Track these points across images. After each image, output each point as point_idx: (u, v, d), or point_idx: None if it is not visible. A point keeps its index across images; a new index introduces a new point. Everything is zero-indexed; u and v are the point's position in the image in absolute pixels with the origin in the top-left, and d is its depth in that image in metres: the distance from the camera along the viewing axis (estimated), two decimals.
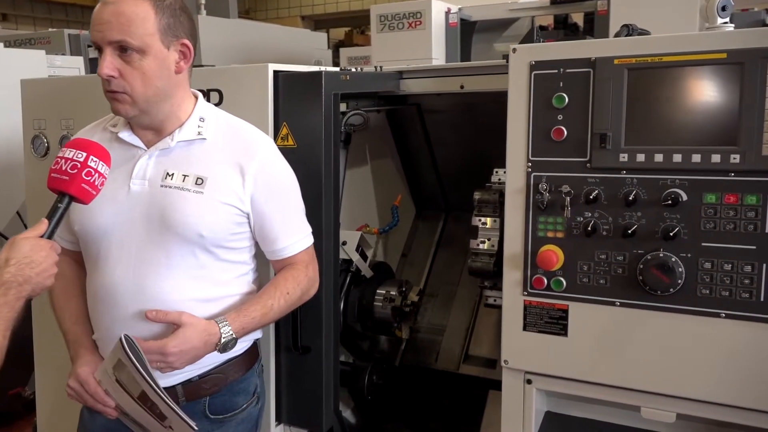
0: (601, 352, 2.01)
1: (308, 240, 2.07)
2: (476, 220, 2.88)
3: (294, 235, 2.00)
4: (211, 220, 1.81)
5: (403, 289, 2.98)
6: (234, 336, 1.82)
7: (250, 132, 1.98)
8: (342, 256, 2.82)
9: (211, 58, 4.54)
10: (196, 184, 1.81)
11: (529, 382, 2.17)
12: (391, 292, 2.94)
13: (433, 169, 3.50)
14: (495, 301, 3.04)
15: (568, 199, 1.99)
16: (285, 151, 2.51)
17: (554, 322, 2.07)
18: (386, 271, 3.10)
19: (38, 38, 6.40)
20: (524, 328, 2.12)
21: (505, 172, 3.03)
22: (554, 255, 2.01)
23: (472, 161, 3.41)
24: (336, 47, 9.05)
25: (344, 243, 2.82)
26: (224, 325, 1.80)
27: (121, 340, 1.66)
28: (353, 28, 12.78)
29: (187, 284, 1.84)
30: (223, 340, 1.79)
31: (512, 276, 2.13)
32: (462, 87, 2.80)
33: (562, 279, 2.04)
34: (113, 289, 1.83)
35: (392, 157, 3.45)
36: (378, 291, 2.96)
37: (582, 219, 2.00)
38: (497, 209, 2.84)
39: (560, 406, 2.26)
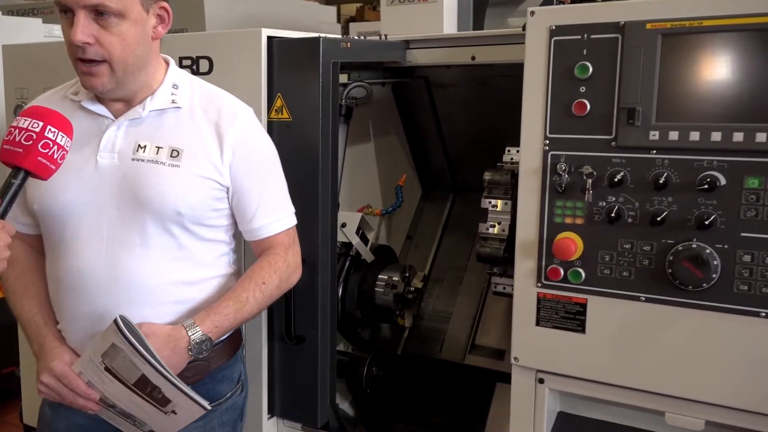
0: (623, 352, 1.79)
1: (289, 220, 1.90)
2: (486, 203, 2.65)
3: (273, 214, 1.83)
4: (189, 196, 1.66)
5: (407, 274, 2.76)
6: (207, 337, 1.65)
7: (227, 100, 1.81)
8: (341, 238, 2.60)
9: (215, 29, 4.31)
10: (171, 156, 1.65)
11: (541, 381, 1.95)
12: (394, 278, 2.73)
13: (441, 147, 3.27)
14: (504, 289, 2.81)
15: (589, 181, 1.76)
16: (279, 125, 2.30)
17: (571, 318, 1.85)
18: (389, 255, 2.89)
19: (41, 8, 6.18)
20: (537, 323, 1.90)
21: (518, 151, 2.82)
22: (572, 243, 1.78)
23: (482, 139, 3.17)
24: (347, 23, 8.77)
25: (343, 225, 2.60)
26: (191, 327, 1.65)
27: (116, 322, 1.52)
28: (365, 3, 12.44)
29: (165, 266, 1.68)
30: (193, 343, 1.63)
31: (525, 265, 1.91)
32: (473, 58, 2.55)
33: (580, 270, 1.81)
34: (83, 274, 1.64)
35: (397, 133, 3.22)
36: (379, 276, 2.74)
37: (605, 204, 1.77)
38: (509, 191, 2.61)
39: (574, 406, 2.05)
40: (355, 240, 2.59)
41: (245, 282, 1.77)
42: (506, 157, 2.74)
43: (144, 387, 1.57)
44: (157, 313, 1.66)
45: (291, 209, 1.91)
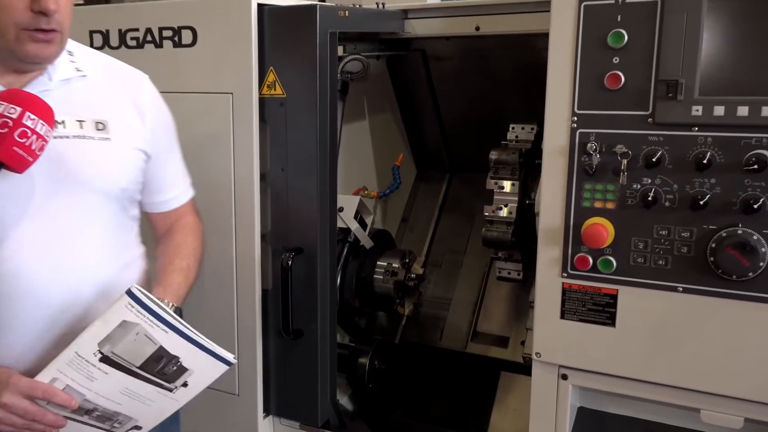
0: (657, 347, 1.64)
1: (191, 189, 1.84)
2: (492, 184, 2.48)
3: (183, 182, 1.77)
4: (127, 170, 1.56)
5: (407, 260, 2.58)
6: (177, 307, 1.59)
7: (124, 65, 1.67)
8: (339, 224, 2.41)
9: None
10: (97, 129, 1.50)
11: (564, 377, 1.80)
12: (393, 265, 2.55)
13: (437, 124, 3.08)
14: (509, 274, 2.66)
15: (624, 162, 1.59)
16: (272, 102, 2.09)
17: (600, 310, 1.69)
18: (387, 240, 2.70)
19: None
20: (562, 316, 1.74)
21: (523, 128, 2.65)
22: (603, 230, 1.61)
23: (481, 116, 2.99)
24: None
25: (341, 209, 2.41)
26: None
27: (130, 293, 1.37)
28: None
29: (112, 251, 1.57)
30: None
31: (548, 254, 1.74)
32: (477, 29, 2.35)
33: (611, 259, 1.65)
34: (21, 277, 1.40)
35: (392, 111, 3.02)
36: (378, 263, 2.56)
37: (640, 186, 1.60)
38: (516, 171, 2.44)
39: (594, 401, 1.90)
40: (354, 225, 2.40)
41: (181, 250, 1.68)
42: (511, 135, 2.57)
43: (155, 364, 1.44)
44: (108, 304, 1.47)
45: (189, 178, 1.83)
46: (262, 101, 2.09)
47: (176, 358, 1.44)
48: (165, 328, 1.41)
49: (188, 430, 2.03)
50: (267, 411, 2.29)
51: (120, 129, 1.53)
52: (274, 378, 2.27)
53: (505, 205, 2.45)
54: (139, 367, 1.43)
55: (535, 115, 2.57)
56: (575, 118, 1.65)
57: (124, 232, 1.62)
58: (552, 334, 1.76)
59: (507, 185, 2.43)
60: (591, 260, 1.67)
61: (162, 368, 1.45)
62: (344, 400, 2.52)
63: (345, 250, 2.44)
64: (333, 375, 2.26)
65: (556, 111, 1.68)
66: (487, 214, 2.45)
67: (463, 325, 2.84)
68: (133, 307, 1.37)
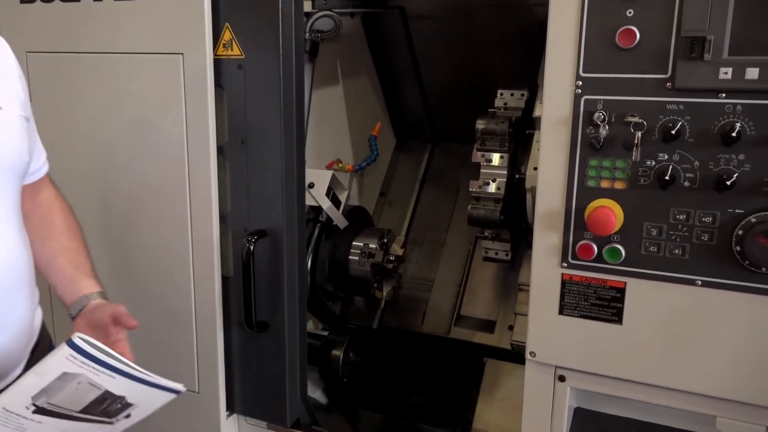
0: (670, 347, 1.42)
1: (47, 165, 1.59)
2: (478, 156, 2.22)
3: (42, 149, 1.53)
4: (25, 142, 1.35)
5: (385, 240, 2.33)
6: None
7: None
8: (308, 201, 2.15)
9: None
10: None
11: (561, 379, 1.57)
12: (370, 245, 2.30)
13: (418, 90, 2.81)
14: (497, 254, 2.42)
15: (638, 134, 1.34)
16: (229, 65, 1.82)
17: (604, 305, 1.46)
18: (363, 218, 2.44)
19: None
20: (561, 312, 1.51)
21: (512, 94, 2.38)
22: (611, 213, 1.37)
23: (466, 81, 2.73)
24: None
25: (311, 185, 2.14)
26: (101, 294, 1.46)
27: (72, 343, 1.18)
28: None
29: (22, 234, 1.37)
30: None
31: (545, 241, 1.50)
32: None
33: (619, 247, 1.41)
34: None
35: (369, 75, 2.74)
36: (354, 243, 2.31)
37: (655, 163, 1.36)
38: (505, 142, 2.18)
39: (591, 401, 1.68)
40: (326, 203, 2.14)
41: (71, 225, 1.53)
42: (498, 102, 2.31)
43: (98, 406, 1.28)
44: (24, 297, 1.36)
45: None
46: (218, 63, 1.81)
47: (121, 397, 1.28)
48: (111, 374, 1.23)
49: (144, 430, 1.80)
50: (231, 409, 2.06)
51: (6, 98, 1.32)
52: (238, 373, 2.04)
53: (493, 180, 2.19)
54: (80, 411, 1.27)
55: (526, 80, 2.32)
56: (580, 83, 1.39)
57: (20, 210, 1.40)
58: (549, 332, 1.53)
59: (495, 158, 2.17)
60: (596, 248, 1.43)
61: (105, 408, 1.29)
62: (317, 394, 2.29)
63: (316, 231, 2.18)
64: (303, 369, 2.03)
65: (557, 74, 1.41)
66: (473, 189, 2.20)
67: (446, 309, 2.61)
68: (75, 358, 1.18)
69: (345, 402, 2.24)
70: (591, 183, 1.41)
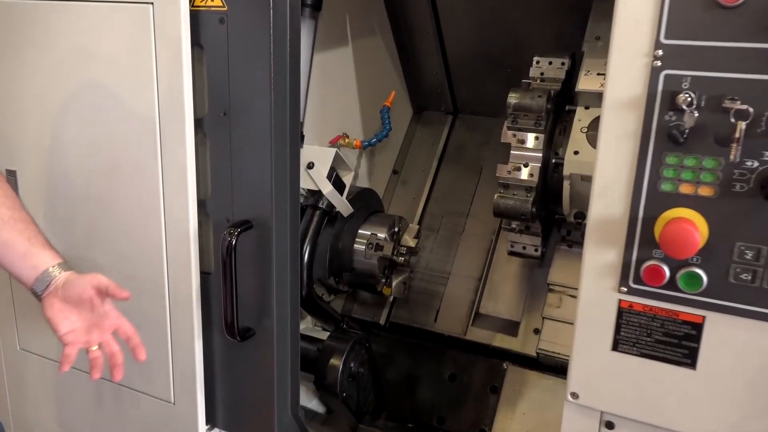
0: (759, 404, 1.08)
1: None
2: (509, 136, 1.86)
3: None
4: None
5: (396, 229, 2.00)
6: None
7: None
8: (306, 184, 1.81)
9: None
10: None
11: (609, 425, 1.24)
12: (379, 235, 1.96)
13: (440, 53, 2.45)
14: (524, 249, 2.09)
15: (740, 125, 0.98)
16: (209, 18, 1.47)
17: (674, 343, 1.12)
18: (372, 202, 2.11)
19: None
20: (615, 347, 1.17)
21: (550, 63, 2.01)
22: (692, 228, 1.02)
23: (495, 44, 2.37)
24: None
25: (310, 166, 1.80)
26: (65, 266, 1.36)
27: None
28: None
29: None
30: None
31: (599, 257, 1.15)
32: None
33: (699, 272, 1.06)
34: None
35: (382, 34, 2.36)
36: (360, 232, 1.98)
37: (758, 164, 1.00)
38: (542, 120, 1.82)
39: None
40: (327, 188, 1.80)
41: (8, 192, 1.35)
42: (534, 71, 1.95)
43: None
44: None
45: None
46: (195, 16, 1.47)
47: None
48: None
49: None
50: (211, 422, 1.77)
51: None
52: (220, 382, 1.74)
53: (525, 165, 1.84)
54: None
55: (568, 45, 1.95)
56: (660, 52, 1.02)
57: None
58: (597, 371, 1.20)
59: (529, 138, 1.81)
60: (668, 272, 1.08)
61: None
62: (314, 403, 1.98)
63: (315, 219, 1.85)
64: (295, 381, 1.72)
65: (627, 40, 1.05)
66: (501, 175, 1.85)
67: (464, 306, 2.28)
68: None
69: (345, 413, 1.93)
70: (666, 187, 1.06)
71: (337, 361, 1.78)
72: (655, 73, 1.03)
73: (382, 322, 2.31)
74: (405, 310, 2.31)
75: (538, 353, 2.03)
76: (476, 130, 2.55)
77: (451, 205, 2.45)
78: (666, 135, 1.03)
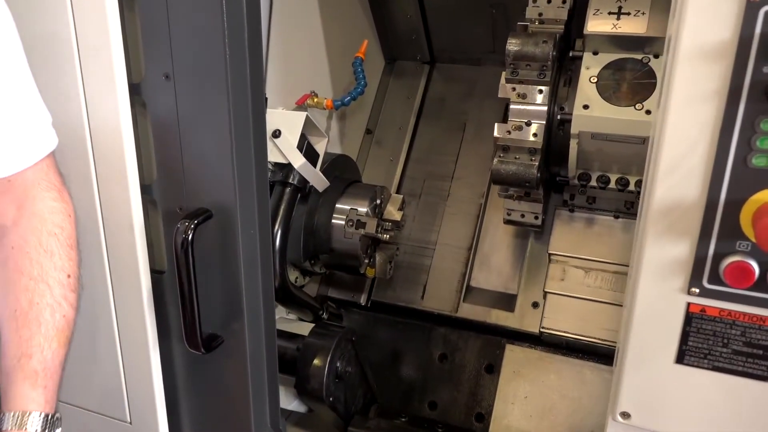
0: None
1: (45, 142, 1.02)
2: (508, 90, 1.58)
3: (26, 125, 0.97)
4: None
5: (378, 201, 1.72)
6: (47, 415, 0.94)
7: None
8: (273, 157, 1.51)
9: None
10: None
11: None
12: (360, 210, 1.68)
13: None
14: (523, 217, 1.84)
15: None
16: None
17: (759, 355, 0.89)
18: (348, 170, 1.81)
19: None
20: (680, 359, 0.93)
21: (549, 1, 1.71)
22: None
23: None
24: None
25: (276, 134, 1.49)
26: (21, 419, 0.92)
27: None
28: None
29: None
30: None
31: (663, 251, 0.89)
32: None
33: None
34: None
35: None
36: (338, 207, 1.69)
37: None
38: (546, 70, 1.54)
39: None
40: (299, 160, 1.50)
41: (31, 283, 0.96)
42: (531, 12, 1.66)
43: None
44: None
45: (45, 117, 1.03)
46: None
47: None
48: None
49: None
50: None
51: None
52: (185, 398, 1.46)
53: (528, 123, 1.57)
54: None
55: None
56: None
57: None
58: (656, 387, 0.96)
59: (535, 93, 1.54)
60: (757, 270, 0.83)
61: None
62: (294, 404, 1.73)
63: (286, 196, 1.55)
64: (273, 389, 1.45)
65: None
66: (500, 135, 1.58)
67: (453, 279, 2.03)
68: None
69: (332, 416, 1.68)
70: (760, 161, 0.80)
71: (321, 363, 1.52)
72: (751, 10, 0.75)
73: (363, 302, 2.05)
74: (388, 287, 2.05)
75: (541, 332, 1.81)
76: (457, 81, 2.25)
77: (433, 167, 2.17)
78: (763, 93, 0.77)
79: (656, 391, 0.96)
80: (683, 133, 0.83)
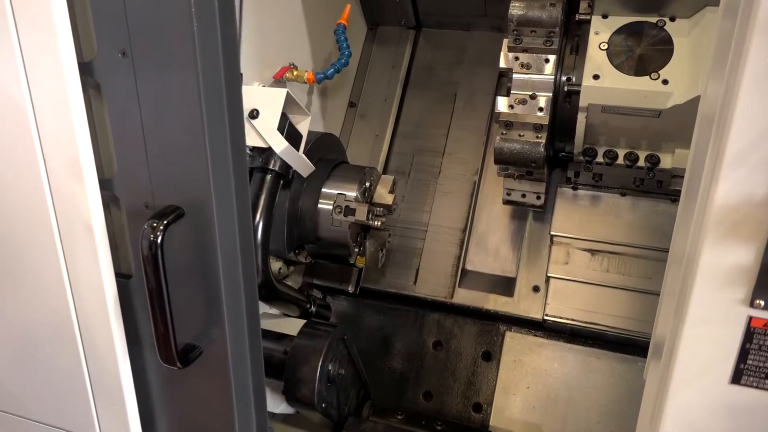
0: None
1: None
2: (510, 60, 1.42)
3: None
4: None
5: (367, 184, 1.55)
6: None
7: None
8: (251, 141, 1.33)
9: None
10: None
11: None
12: (348, 195, 1.52)
13: None
14: (524, 197, 1.69)
15: None
16: None
17: None
18: (332, 150, 1.64)
19: None
20: (736, 379, 0.80)
21: None
22: None
23: None
24: None
25: (254, 114, 1.31)
26: None
27: None
28: None
29: None
30: None
31: (721, 254, 0.75)
32: None
33: None
34: None
35: None
36: (324, 191, 1.53)
37: None
38: (554, 37, 1.38)
39: None
40: (280, 144, 1.32)
41: None
42: None
43: None
44: None
45: None
46: None
47: None
48: None
49: None
50: None
51: None
52: (162, 413, 1.31)
53: (533, 96, 1.41)
54: None
55: None
56: None
57: None
58: (707, 409, 0.83)
59: (538, 62, 1.37)
60: None
61: None
62: (283, 407, 1.58)
63: (266, 183, 1.38)
64: (260, 399, 1.30)
65: None
66: (502, 110, 1.42)
67: (447, 263, 1.89)
68: None
69: (324, 422, 1.55)
70: None
71: (312, 368, 1.36)
72: None
73: (351, 289, 1.90)
74: (378, 272, 1.90)
75: (545, 320, 1.69)
76: (445, 48, 2.08)
77: (423, 142, 2.00)
78: None
79: (707, 413, 0.83)
80: (757, 117, 0.68)
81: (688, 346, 0.81)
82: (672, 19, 1.38)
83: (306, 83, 1.57)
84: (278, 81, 1.50)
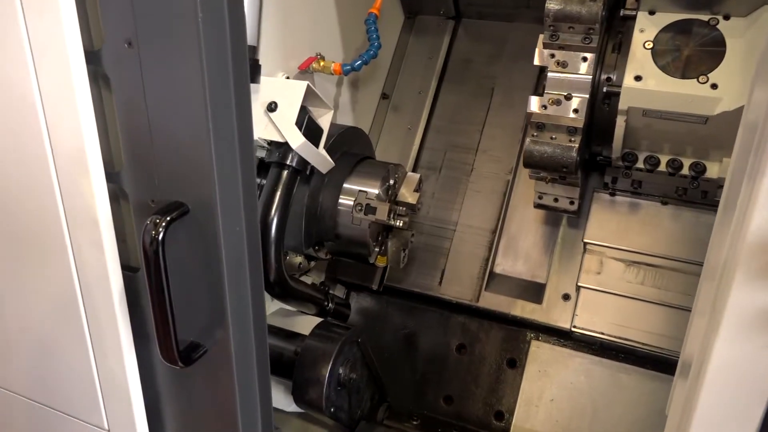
0: None
1: None
2: (546, 57, 1.33)
3: None
4: None
5: (391, 182, 1.49)
6: None
7: None
8: (268, 134, 1.28)
9: None
10: None
11: None
12: (370, 192, 1.46)
13: None
14: (556, 201, 1.60)
15: None
16: None
17: None
18: (358, 144, 1.58)
19: None
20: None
21: None
22: None
23: None
24: None
25: (272, 107, 1.27)
26: None
27: None
28: None
29: None
30: None
31: (752, 294, 0.67)
32: None
33: None
34: None
35: None
36: (345, 187, 1.47)
37: None
38: (593, 34, 1.28)
39: None
40: (297, 140, 1.27)
41: None
42: None
43: None
44: None
45: None
46: None
47: None
48: None
49: None
50: None
51: None
52: (166, 403, 1.29)
53: (568, 97, 1.32)
54: None
55: None
56: None
57: None
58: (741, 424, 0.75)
59: (578, 62, 1.28)
60: None
61: None
62: (293, 407, 1.55)
63: (283, 178, 1.33)
64: (266, 400, 1.27)
65: None
66: (534, 111, 1.33)
67: (474, 265, 1.82)
68: None
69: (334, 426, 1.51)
70: None
71: (321, 371, 1.32)
72: None
73: (375, 286, 1.85)
74: (403, 271, 1.84)
75: (572, 331, 1.60)
76: (484, 40, 1.99)
77: (456, 137, 1.93)
78: None
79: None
80: None
81: (711, 396, 0.73)
82: (726, 18, 1.26)
83: (333, 75, 1.51)
84: (304, 71, 1.45)
